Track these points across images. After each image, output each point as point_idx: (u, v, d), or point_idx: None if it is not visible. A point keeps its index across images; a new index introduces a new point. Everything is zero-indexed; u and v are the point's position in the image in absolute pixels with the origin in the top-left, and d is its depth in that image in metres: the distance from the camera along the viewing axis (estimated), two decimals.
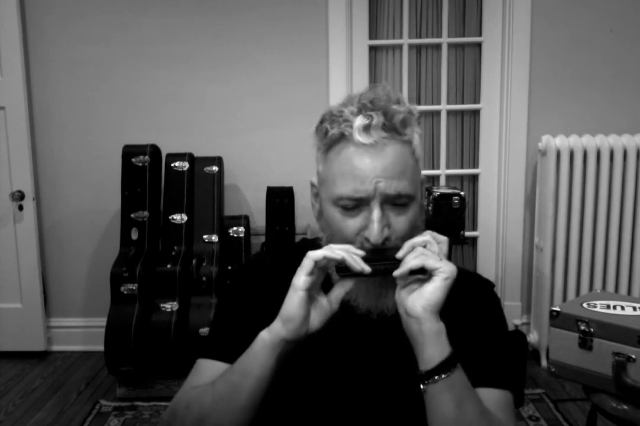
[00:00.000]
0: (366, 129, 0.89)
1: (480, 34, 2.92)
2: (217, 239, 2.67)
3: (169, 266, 2.56)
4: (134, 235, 2.69)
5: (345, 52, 2.84)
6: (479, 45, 2.93)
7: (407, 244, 0.89)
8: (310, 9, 2.84)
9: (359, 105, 0.92)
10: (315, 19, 2.84)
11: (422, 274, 0.87)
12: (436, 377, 0.85)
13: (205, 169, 2.74)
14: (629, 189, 2.69)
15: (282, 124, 2.91)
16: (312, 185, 1.01)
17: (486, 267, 3.03)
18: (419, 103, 2.97)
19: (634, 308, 1.58)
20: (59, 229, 3.03)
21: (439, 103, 2.96)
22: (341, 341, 0.97)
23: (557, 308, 1.61)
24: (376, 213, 0.89)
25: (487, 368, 0.96)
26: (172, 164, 2.72)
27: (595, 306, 1.61)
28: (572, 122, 2.83)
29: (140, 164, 2.70)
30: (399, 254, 0.88)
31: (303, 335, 0.89)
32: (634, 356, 1.46)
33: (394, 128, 0.91)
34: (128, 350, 2.48)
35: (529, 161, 2.89)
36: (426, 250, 0.87)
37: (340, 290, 0.91)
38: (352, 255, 0.86)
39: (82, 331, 3.06)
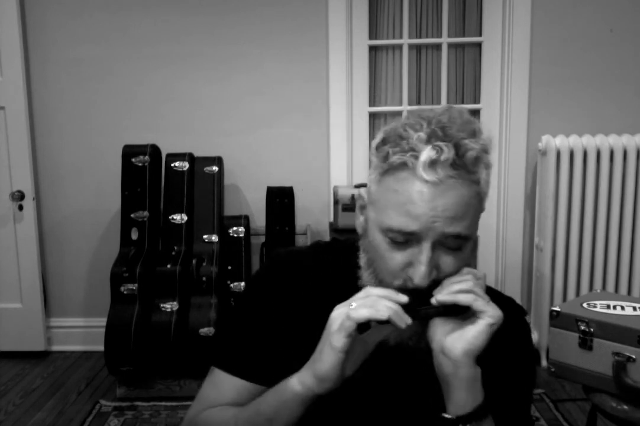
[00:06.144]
0: (432, 164, 0.79)
1: (480, 34, 2.91)
2: (217, 239, 2.67)
3: (169, 266, 2.55)
4: (134, 235, 2.69)
5: (345, 52, 2.84)
6: (479, 45, 2.93)
7: (451, 290, 0.81)
8: (310, 9, 2.83)
9: (428, 130, 0.81)
10: (315, 18, 2.84)
11: (460, 314, 0.82)
12: (467, 425, 0.81)
13: (205, 169, 2.74)
14: (629, 189, 2.69)
15: (282, 124, 2.91)
16: (360, 197, 0.91)
17: (486, 267, 3.02)
18: (418, 103, 2.97)
19: (634, 308, 1.58)
20: (59, 229, 3.03)
21: (439, 103, 2.96)
22: (368, 375, 0.90)
23: (557, 308, 1.61)
24: (425, 254, 0.81)
25: (510, 408, 0.93)
26: (172, 164, 2.72)
27: (595, 306, 1.61)
28: (572, 122, 2.83)
29: (140, 164, 2.70)
30: (441, 299, 0.81)
31: (337, 386, 0.83)
32: (634, 356, 1.46)
33: (463, 166, 0.80)
34: (128, 350, 2.48)
35: (529, 161, 2.89)
36: (477, 288, 0.81)
37: (377, 335, 0.84)
38: (397, 313, 0.79)
39: (82, 331, 3.06)
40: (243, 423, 0.89)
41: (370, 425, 0.94)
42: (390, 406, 0.94)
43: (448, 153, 0.79)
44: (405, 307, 0.80)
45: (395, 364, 0.93)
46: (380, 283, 0.86)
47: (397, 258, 0.83)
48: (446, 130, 0.81)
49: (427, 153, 0.79)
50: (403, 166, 0.81)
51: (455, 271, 0.84)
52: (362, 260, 0.90)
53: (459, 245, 0.83)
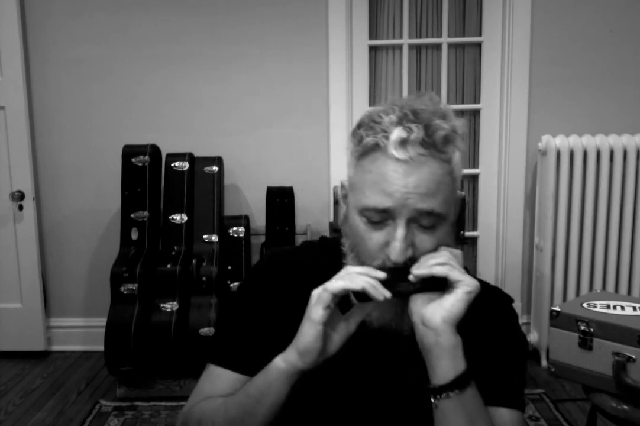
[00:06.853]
0: (403, 143, 0.83)
1: (480, 34, 2.92)
2: (217, 239, 2.67)
3: (169, 266, 2.55)
4: (134, 235, 2.69)
5: (345, 52, 2.84)
6: (479, 45, 2.93)
7: (427, 265, 0.84)
8: (310, 9, 2.83)
9: (400, 114, 0.85)
10: (315, 18, 2.84)
11: (439, 289, 0.84)
12: (450, 393, 0.83)
13: (205, 169, 2.74)
14: (629, 189, 2.69)
15: (282, 124, 2.91)
16: (342, 186, 0.96)
17: (486, 267, 3.03)
18: None
19: (634, 308, 1.59)
20: (59, 229, 3.03)
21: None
22: (353, 357, 0.94)
23: (557, 308, 1.61)
24: (400, 231, 0.84)
25: (501, 387, 0.94)
26: (172, 164, 2.72)
27: (595, 306, 1.61)
28: (572, 122, 2.83)
29: (140, 164, 2.70)
30: (417, 272, 0.84)
31: (320, 363, 0.86)
32: (634, 356, 1.46)
33: (433, 145, 0.84)
34: (128, 350, 2.48)
35: (529, 161, 2.89)
36: (452, 261, 0.84)
37: (359, 313, 0.87)
38: (372, 284, 0.81)
39: (82, 331, 3.06)
40: (233, 407, 0.91)
41: (354, 405, 0.96)
42: (373, 386, 0.96)
43: (418, 133, 0.83)
44: (384, 284, 0.82)
45: (378, 345, 0.95)
46: (362, 265, 0.88)
47: (375, 238, 0.86)
48: (418, 113, 0.85)
49: (397, 133, 0.83)
50: (376, 146, 0.85)
51: (432, 250, 0.87)
52: (346, 245, 0.93)
53: (433, 223, 0.85)
